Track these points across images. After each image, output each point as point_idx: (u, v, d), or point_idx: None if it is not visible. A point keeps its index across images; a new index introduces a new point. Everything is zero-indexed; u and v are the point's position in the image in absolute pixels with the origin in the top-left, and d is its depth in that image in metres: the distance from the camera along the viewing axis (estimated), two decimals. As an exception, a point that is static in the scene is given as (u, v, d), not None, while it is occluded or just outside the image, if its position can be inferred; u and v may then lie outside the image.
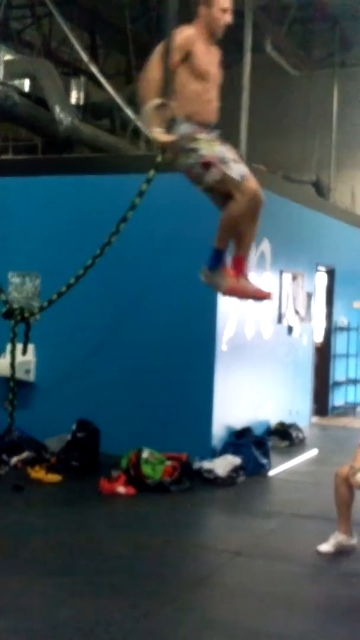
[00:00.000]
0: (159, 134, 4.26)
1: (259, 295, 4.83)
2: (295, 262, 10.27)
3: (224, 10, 4.37)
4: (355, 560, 5.46)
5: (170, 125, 4.29)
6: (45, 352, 8.48)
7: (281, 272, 9.80)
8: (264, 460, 7.92)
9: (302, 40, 13.52)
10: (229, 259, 4.71)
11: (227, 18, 4.41)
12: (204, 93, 4.38)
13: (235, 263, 4.70)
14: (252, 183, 4.38)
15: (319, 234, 11.12)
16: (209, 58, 4.39)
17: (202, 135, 4.32)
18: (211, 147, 4.31)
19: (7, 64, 10.44)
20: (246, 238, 4.65)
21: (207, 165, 4.28)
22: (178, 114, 4.31)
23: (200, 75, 4.32)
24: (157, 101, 4.24)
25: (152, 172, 6.78)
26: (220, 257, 4.65)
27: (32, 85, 10.35)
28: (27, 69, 10.31)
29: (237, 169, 4.32)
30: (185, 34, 4.29)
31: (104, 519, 6.30)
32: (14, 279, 8.71)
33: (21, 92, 10.04)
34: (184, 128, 4.30)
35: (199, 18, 4.35)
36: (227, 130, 12.06)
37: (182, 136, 4.30)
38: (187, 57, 4.28)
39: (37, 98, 10.16)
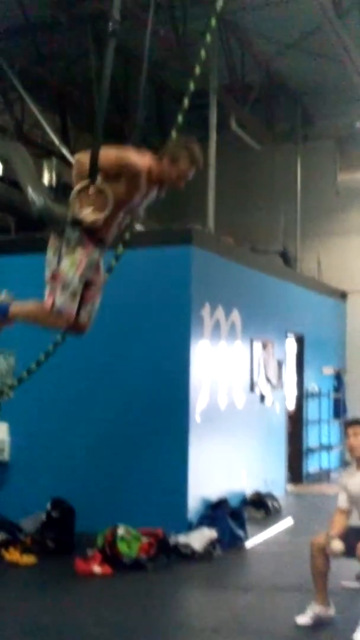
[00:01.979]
0: (87, 215, 4.27)
1: None
2: (265, 331, 10.46)
3: (183, 177, 4.25)
4: (333, 631, 5.45)
5: (69, 223, 4.24)
6: (19, 431, 8.48)
7: (251, 341, 9.97)
8: (241, 532, 7.92)
9: (265, 116, 13.99)
10: None
11: (181, 184, 4.29)
12: (112, 217, 4.26)
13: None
14: (60, 320, 4.30)
15: (288, 302, 11.35)
16: (137, 195, 4.27)
17: (78, 253, 4.19)
18: (71, 268, 4.19)
19: (-19, 147, 10.68)
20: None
21: (54, 277, 4.21)
22: (82, 215, 4.23)
23: (117, 203, 4.20)
24: (84, 182, 4.28)
25: (120, 248, 6.94)
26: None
27: (4, 168, 10.57)
28: (0, 152, 10.54)
29: (64, 302, 4.22)
30: (142, 163, 4.18)
31: (81, 601, 6.24)
32: (-11, 357, 8.75)
33: (-6, 175, 10.27)
34: (75, 234, 4.21)
35: (159, 163, 4.23)
36: (195, 204, 12.41)
37: (67, 238, 4.21)
38: (124, 178, 4.17)
39: (9, 180, 10.37)
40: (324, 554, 5.51)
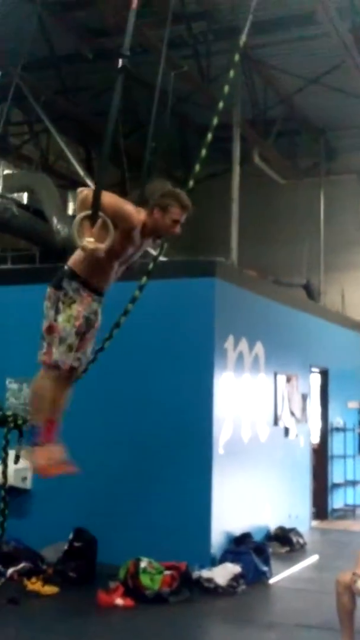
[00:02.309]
0: (89, 243, 4.27)
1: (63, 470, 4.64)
2: (289, 364, 10.37)
3: (175, 222, 4.28)
4: (361, 673, 5.31)
5: (65, 275, 4.24)
6: (42, 460, 8.42)
7: (275, 374, 9.88)
8: (265, 568, 7.77)
9: (288, 150, 14.08)
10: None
11: (177, 230, 4.33)
12: (105, 266, 4.25)
13: (46, 427, 4.51)
14: (55, 372, 4.25)
15: (311, 335, 11.27)
16: (131, 248, 4.30)
17: (75, 307, 4.19)
18: (68, 322, 4.19)
19: (6, 177, 10.81)
20: (58, 403, 4.52)
21: (50, 330, 4.19)
22: (76, 268, 4.24)
23: (112, 253, 4.18)
24: (86, 212, 4.30)
25: (144, 279, 6.94)
26: (35, 432, 4.47)
27: (30, 198, 10.69)
28: (26, 183, 10.67)
29: (60, 355, 4.21)
30: (137, 220, 4.20)
31: (102, 633, 6.13)
32: (12, 384, 8.76)
33: (20, 205, 10.36)
34: (72, 285, 4.20)
35: (150, 215, 4.26)
36: (218, 238, 12.45)
37: (64, 290, 4.20)
38: (119, 229, 4.16)
39: (35, 210, 10.47)
40: (350, 592, 5.38)
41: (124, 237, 4.22)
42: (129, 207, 4.23)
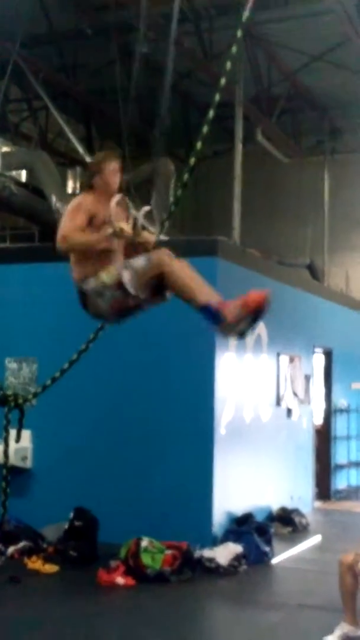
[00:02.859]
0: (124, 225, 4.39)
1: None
2: (292, 345, 10.28)
3: (114, 171, 4.52)
4: (364, 654, 5.26)
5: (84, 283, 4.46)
6: (42, 439, 8.38)
7: (278, 355, 9.80)
8: (267, 548, 7.72)
9: (291, 128, 13.92)
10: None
11: (117, 178, 4.55)
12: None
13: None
14: (156, 256, 4.37)
15: (315, 316, 11.18)
16: (105, 213, 4.44)
17: (102, 274, 4.39)
18: (110, 273, 4.38)
19: (5, 155, 10.71)
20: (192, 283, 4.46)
21: (119, 285, 4.32)
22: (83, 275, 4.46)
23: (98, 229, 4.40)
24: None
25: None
26: (213, 314, 4.31)
27: (29, 176, 10.60)
28: (24, 160, 10.57)
29: (136, 263, 4.36)
30: (82, 202, 4.40)
31: (103, 612, 6.09)
32: (11, 364, 8.70)
33: (18, 183, 10.28)
34: (91, 283, 4.44)
35: (96, 186, 4.49)
36: (221, 217, 12.35)
37: (93, 290, 4.45)
38: (90, 219, 4.38)
39: (34, 188, 10.38)
40: (353, 573, 5.35)
41: (96, 217, 4.38)
42: (79, 202, 4.40)
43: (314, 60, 11.96)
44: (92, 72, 11.88)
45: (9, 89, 11.48)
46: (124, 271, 4.32)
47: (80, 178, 11.27)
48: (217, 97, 6.96)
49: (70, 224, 4.37)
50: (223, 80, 7.02)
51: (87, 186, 4.58)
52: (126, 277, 4.30)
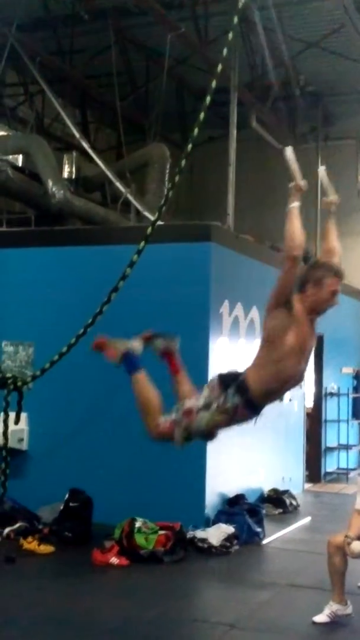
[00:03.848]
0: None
1: None
2: (285, 329, 10.37)
3: (334, 293, 4.09)
4: (351, 631, 5.41)
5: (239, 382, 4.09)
6: (39, 421, 8.49)
7: (271, 340, 9.89)
8: (258, 529, 7.88)
9: (286, 115, 13.94)
10: None
11: (336, 300, 4.11)
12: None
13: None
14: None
15: (307, 301, 11.26)
16: (309, 335, 4.06)
17: (222, 417, 4.11)
18: (208, 422, 4.13)
19: (1, 139, 10.73)
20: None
21: (188, 413, 4.12)
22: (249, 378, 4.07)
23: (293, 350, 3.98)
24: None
25: (142, 244, 6.95)
26: None
27: (25, 160, 10.60)
28: (21, 145, 10.58)
29: (174, 432, 4.24)
30: (297, 312, 3.98)
31: (97, 592, 6.23)
32: (8, 347, 8.80)
33: (15, 167, 10.29)
34: (234, 399, 4.04)
35: (305, 295, 4.03)
36: (215, 203, 12.43)
37: (226, 396, 4.06)
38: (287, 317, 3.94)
39: (30, 172, 10.40)
40: (341, 553, 5.48)
41: (297, 331, 4.00)
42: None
43: (309, 47, 11.99)
44: (89, 56, 11.88)
45: (5, 73, 11.48)
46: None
47: (77, 163, 11.31)
48: (214, 83, 7.05)
49: None
50: (219, 67, 7.11)
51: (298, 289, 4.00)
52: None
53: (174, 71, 12.20)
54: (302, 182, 4.10)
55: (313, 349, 4.21)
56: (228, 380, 4.07)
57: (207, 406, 4.05)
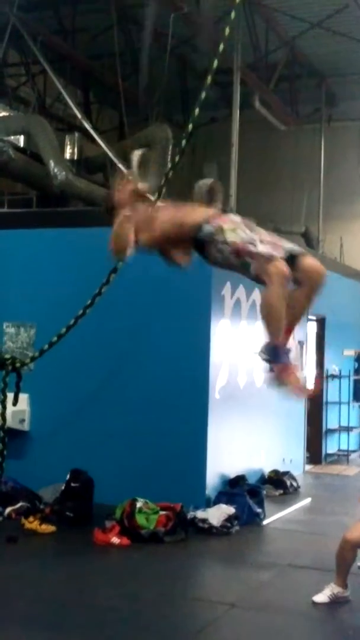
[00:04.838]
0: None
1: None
2: (286, 312, 10.36)
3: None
4: (350, 612, 5.45)
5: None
6: (40, 402, 8.52)
7: (272, 322, 9.89)
8: (258, 510, 7.92)
9: (289, 96, 13.86)
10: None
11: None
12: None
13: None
14: (278, 266, 3.89)
15: (309, 283, 11.24)
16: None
17: (226, 225, 4.04)
18: (235, 233, 4.01)
19: (3, 120, 10.68)
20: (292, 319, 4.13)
21: (237, 252, 3.98)
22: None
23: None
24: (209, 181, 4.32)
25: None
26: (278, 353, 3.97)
27: (27, 141, 10.56)
28: (22, 125, 10.52)
29: (264, 248, 3.94)
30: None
31: (98, 571, 6.27)
32: (9, 329, 8.80)
33: (16, 148, 10.24)
34: (207, 228, 4.07)
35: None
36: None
37: (209, 235, 4.04)
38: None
39: (32, 153, 10.36)
40: (355, 549, 5.49)
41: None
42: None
43: (312, 27, 11.89)
44: (91, 36, 11.80)
45: (7, 53, 11.41)
46: (247, 248, 4.00)
47: (79, 144, 11.26)
48: (215, 63, 7.00)
49: None
50: (221, 47, 7.06)
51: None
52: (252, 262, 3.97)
53: (177, 51, 12.11)
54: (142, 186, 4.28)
55: None
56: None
57: (221, 242, 4.07)
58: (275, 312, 3.92)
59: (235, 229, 4.04)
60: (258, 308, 9.30)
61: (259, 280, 4.04)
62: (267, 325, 3.98)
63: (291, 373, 3.95)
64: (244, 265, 4.02)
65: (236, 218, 4.17)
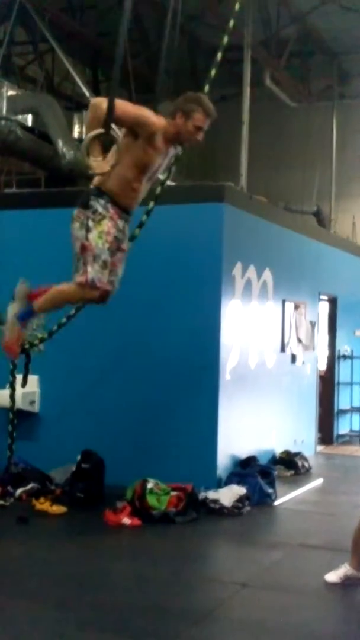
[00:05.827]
0: (95, 163, 4.30)
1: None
2: (298, 292, 10.32)
3: (199, 129, 4.35)
4: (362, 591, 5.43)
5: (93, 194, 4.35)
6: (50, 383, 8.50)
7: (284, 302, 9.85)
8: (270, 490, 7.89)
9: (300, 73, 13.71)
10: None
11: (199, 137, 4.38)
12: (134, 181, 4.35)
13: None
14: (93, 292, 4.42)
15: (321, 263, 11.19)
16: (157, 157, 4.35)
17: (105, 223, 4.30)
18: (100, 239, 4.30)
19: (11, 99, 10.58)
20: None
21: (83, 249, 4.30)
22: (103, 186, 4.36)
23: (139, 166, 4.30)
24: (99, 130, 4.24)
25: (151, 204, 6.85)
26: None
27: (35, 120, 10.47)
28: (30, 104, 10.44)
29: (97, 273, 4.33)
30: (159, 124, 4.26)
31: (109, 552, 6.27)
32: (18, 310, 8.74)
33: (24, 127, 10.16)
34: (100, 202, 4.30)
35: (173, 121, 4.31)
36: (228, 163, 12.28)
37: (93, 209, 4.31)
38: (141, 137, 4.25)
39: (40, 132, 10.28)
40: None
41: (148, 146, 4.26)
42: (146, 111, 4.30)
43: (323, 3, 11.71)
44: (99, 14, 11.67)
45: (15, 31, 11.29)
46: (89, 257, 4.42)
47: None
48: (225, 39, 6.88)
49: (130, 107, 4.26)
50: (232, 23, 6.94)
51: (169, 115, 4.32)
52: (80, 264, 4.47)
53: (187, 28, 11.96)
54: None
55: (159, 169, 4.52)
56: (84, 200, 4.37)
57: (88, 229, 4.31)
58: (60, 302, 4.70)
59: (104, 235, 4.40)
60: (269, 288, 9.27)
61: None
62: (49, 303, 4.70)
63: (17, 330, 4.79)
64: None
65: None
